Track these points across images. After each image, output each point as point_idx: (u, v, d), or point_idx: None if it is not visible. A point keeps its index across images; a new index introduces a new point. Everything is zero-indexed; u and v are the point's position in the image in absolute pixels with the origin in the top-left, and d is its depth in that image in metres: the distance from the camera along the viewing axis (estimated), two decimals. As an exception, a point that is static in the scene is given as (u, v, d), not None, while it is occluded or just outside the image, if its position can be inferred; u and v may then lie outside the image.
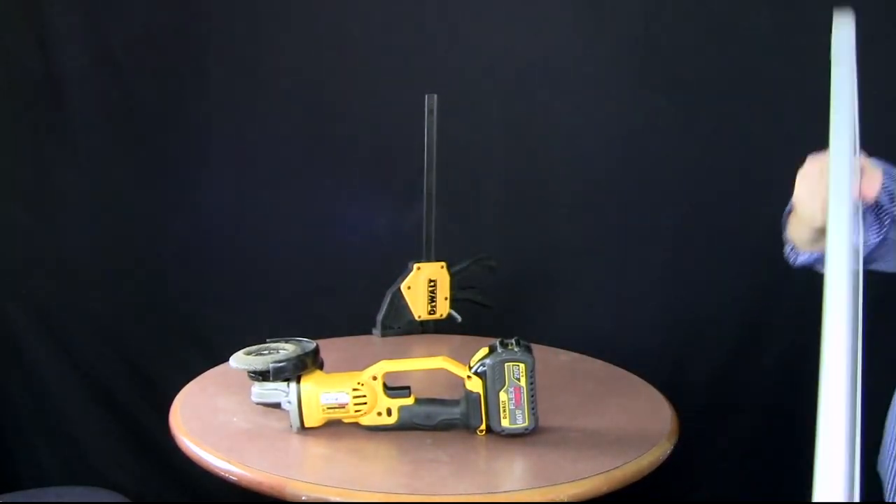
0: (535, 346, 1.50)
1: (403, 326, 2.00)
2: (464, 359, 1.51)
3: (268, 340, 1.52)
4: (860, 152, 1.36)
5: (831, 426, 0.95)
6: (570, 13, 2.24)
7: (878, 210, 1.40)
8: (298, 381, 1.45)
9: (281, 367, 1.44)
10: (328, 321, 2.17)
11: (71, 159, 2.33)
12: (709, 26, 2.15)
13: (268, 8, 2.30)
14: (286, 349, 1.48)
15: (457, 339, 1.99)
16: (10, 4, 2.26)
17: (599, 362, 1.84)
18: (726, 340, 2.27)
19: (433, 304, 2.01)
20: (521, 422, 1.45)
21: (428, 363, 1.50)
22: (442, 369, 1.48)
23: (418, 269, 2.01)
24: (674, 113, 2.25)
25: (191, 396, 1.62)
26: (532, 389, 1.45)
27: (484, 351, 1.48)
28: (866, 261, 1.43)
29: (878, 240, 1.40)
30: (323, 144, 2.35)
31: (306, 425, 1.45)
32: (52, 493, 2.10)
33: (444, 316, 2.02)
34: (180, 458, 1.46)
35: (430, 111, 2.02)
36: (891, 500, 1.46)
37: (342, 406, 1.45)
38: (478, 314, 2.05)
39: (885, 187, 1.33)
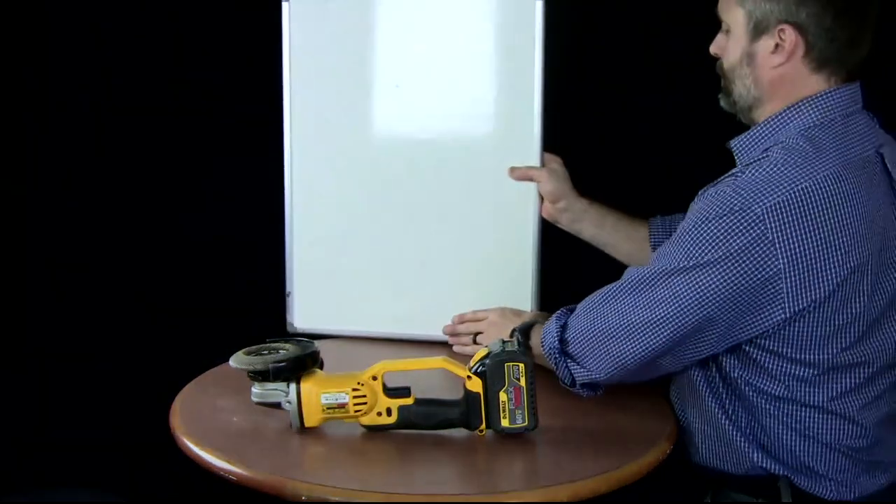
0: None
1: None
2: (463, 359, 1.51)
3: (268, 340, 1.51)
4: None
5: None
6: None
7: None
8: (298, 382, 1.45)
9: (281, 368, 1.44)
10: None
11: (71, 159, 2.34)
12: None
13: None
14: (286, 349, 1.48)
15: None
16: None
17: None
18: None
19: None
20: (521, 422, 1.45)
21: (428, 363, 1.50)
22: (442, 369, 1.48)
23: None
24: (675, 112, 2.25)
25: (191, 396, 1.62)
26: (532, 389, 1.45)
27: (483, 351, 1.48)
28: None
29: None
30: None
31: (306, 425, 1.45)
32: (51, 493, 2.10)
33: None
34: (180, 459, 1.46)
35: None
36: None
37: (342, 406, 1.45)
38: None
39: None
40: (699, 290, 1.44)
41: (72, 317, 2.36)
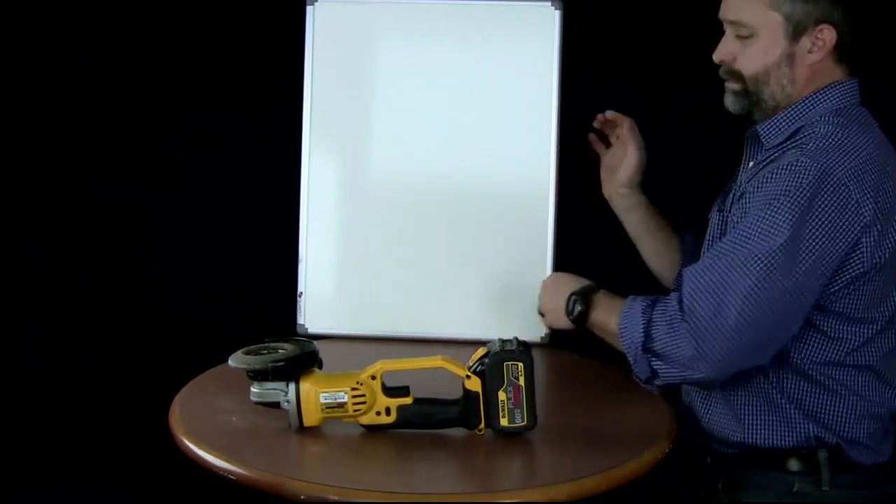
0: (534, 346, 1.50)
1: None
2: (463, 358, 1.51)
3: (267, 340, 1.51)
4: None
5: None
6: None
7: None
8: (297, 381, 1.45)
9: (280, 367, 1.44)
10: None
11: (67, 160, 2.34)
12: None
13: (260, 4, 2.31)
14: (285, 349, 1.48)
15: (456, 339, 1.99)
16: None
17: (599, 362, 1.84)
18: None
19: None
20: (520, 421, 1.45)
21: (427, 363, 1.50)
22: (441, 368, 1.48)
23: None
24: (673, 112, 2.25)
25: (190, 396, 1.62)
26: (531, 388, 1.45)
27: (482, 350, 1.48)
28: None
29: None
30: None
31: (305, 425, 1.45)
32: (52, 493, 2.10)
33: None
34: (179, 458, 1.46)
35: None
36: None
37: (341, 405, 1.45)
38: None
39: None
40: (810, 261, 1.50)
41: (72, 315, 2.37)
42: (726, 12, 1.65)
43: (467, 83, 1.93)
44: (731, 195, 1.71)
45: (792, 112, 1.63)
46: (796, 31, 1.59)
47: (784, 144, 1.63)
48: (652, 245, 1.92)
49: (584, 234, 1.95)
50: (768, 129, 1.65)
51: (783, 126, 1.63)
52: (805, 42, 1.59)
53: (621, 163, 1.89)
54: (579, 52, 1.94)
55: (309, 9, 1.93)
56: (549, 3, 1.89)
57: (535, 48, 1.90)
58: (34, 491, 2.24)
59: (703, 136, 2.13)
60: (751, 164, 1.71)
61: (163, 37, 2.32)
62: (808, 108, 1.62)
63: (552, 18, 1.89)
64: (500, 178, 1.93)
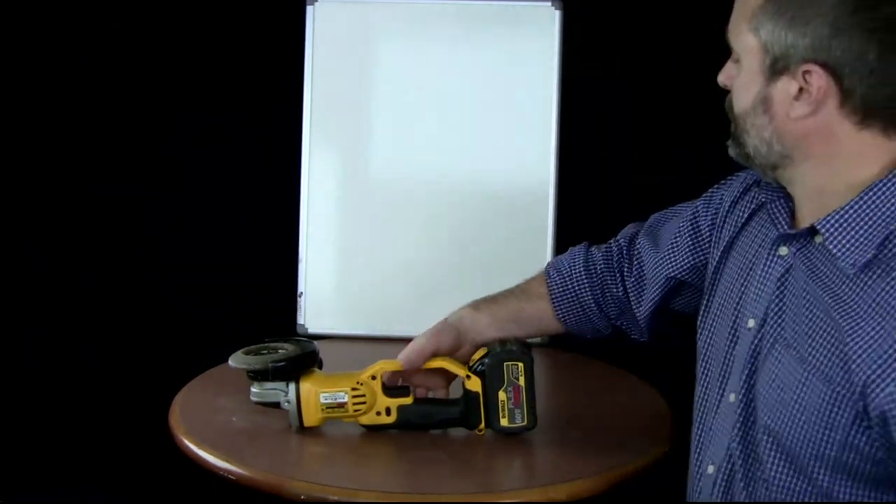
0: (534, 346, 1.50)
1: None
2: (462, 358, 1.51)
3: (267, 340, 1.51)
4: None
5: None
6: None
7: None
8: (297, 381, 1.45)
9: (280, 367, 1.44)
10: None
11: (67, 160, 2.34)
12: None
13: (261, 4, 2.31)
14: (285, 349, 1.48)
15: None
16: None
17: (599, 362, 1.84)
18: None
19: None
20: (520, 421, 1.45)
21: (427, 363, 1.50)
22: (441, 368, 1.48)
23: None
24: (673, 112, 2.26)
25: (190, 396, 1.62)
26: (531, 388, 1.45)
27: (483, 350, 1.48)
28: None
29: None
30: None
31: (305, 425, 1.45)
32: (52, 493, 2.10)
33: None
34: (180, 458, 1.46)
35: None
36: None
37: (341, 406, 1.45)
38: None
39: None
40: None
41: (72, 315, 2.37)
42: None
43: (467, 83, 1.93)
44: (752, 288, 1.29)
45: (866, 213, 1.15)
46: (774, 69, 1.16)
47: (874, 261, 1.14)
48: (521, 326, 1.59)
49: (585, 234, 1.95)
50: (843, 243, 1.16)
51: (866, 238, 1.15)
52: (786, 85, 1.16)
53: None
54: (579, 52, 1.94)
55: (309, 9, 1.93)
56: (549, 3, 1.89)
57: (535, 48, 1.91)
58: (34, 491, 2.24)
59: (703, 137, 2.13)
60: (784, 249, 1.26)
61: (163, 37, 2.32)
62: (884, 202, 1.15)
63: (552, 18, 1.89)
64: (500, 178, 1.93)
